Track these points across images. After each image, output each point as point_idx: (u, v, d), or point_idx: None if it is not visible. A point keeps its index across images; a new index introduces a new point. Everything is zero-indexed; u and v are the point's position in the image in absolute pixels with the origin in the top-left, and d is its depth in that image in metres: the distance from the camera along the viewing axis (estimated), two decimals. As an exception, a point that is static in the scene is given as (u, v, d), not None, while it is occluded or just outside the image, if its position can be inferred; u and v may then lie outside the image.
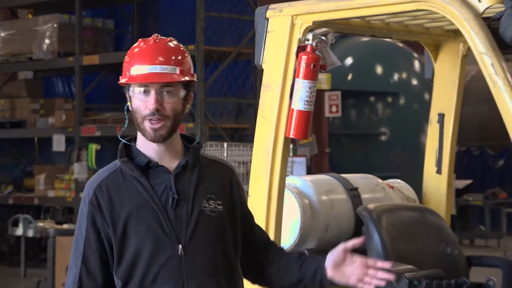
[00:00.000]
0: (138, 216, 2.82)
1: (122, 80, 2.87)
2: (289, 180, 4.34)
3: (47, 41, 12.49)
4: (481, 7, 3.53)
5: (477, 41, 3.48)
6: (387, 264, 2.88)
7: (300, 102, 3.99)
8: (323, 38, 4.00)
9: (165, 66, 2.83)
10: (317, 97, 4.14)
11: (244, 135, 11.55)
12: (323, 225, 4.29)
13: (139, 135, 2.89)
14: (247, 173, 3.98)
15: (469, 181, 15.87)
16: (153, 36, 2.91)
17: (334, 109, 11.44)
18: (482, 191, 16.14)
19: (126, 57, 2.91)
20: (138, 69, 2.83)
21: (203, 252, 2.85)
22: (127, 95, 2.88)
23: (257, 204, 4.02)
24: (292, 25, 4.07)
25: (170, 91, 2.84)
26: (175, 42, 2.92)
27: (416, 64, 12.41)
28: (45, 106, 13.02)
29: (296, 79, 3.99)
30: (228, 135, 11.30)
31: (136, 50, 2.90)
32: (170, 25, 12.74)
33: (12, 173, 14.02)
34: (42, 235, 9.00)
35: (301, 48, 4.02)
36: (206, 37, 10.93)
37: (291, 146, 8.99)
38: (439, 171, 4.60)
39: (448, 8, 3.59)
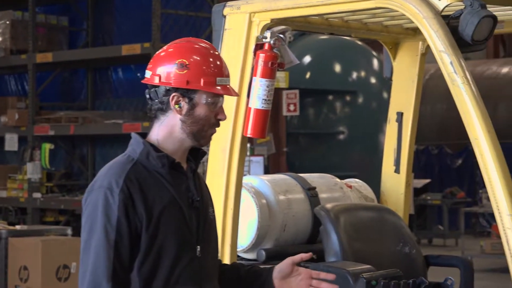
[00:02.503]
0: (169, 213, 2.83)
1: (207, 87, 2.86)
2: (247, 179, 4.32)
3: (-1, 38, 12.34)
4: (440, 5, 3.52)
5: (436, 39, 3.47)
6: (330, 276, 2.99)
7: (257, 101, 3.97)
8: (281, 36, 3.98)
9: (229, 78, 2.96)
10: (275, 95, 4.11)
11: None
12: (281, 225, 4.27)
13: (167, 134, 2.89)
14: (204, 173, 3.93)
15: (427, 180, 16.00)
16: (203, 41, 2.97)
17: (292, 107, 11.43)
18: (440, 190, 16.29)
19: (196, 56, 2.88)
20: (222, 80, 2.90)
21: (211, 256, 2.94)
22: (181, 99, 2.87)
23: (214, 204, 3.97)
24: (250, 22, 4.05)
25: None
26: None
27: (375, 63, 12.44)
28: (-3, 104, 12.85)
29: (254, 77, 3.97)
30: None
31: (210, 51, 2.92)
32: (126, 23, 12.65)
33: (-37, 173, 13.81)
34: (-6, 236, 8.86)
35: (258, 46, 4.00)
36: (162, 35, 10.86)
37: (248, 145, 8.94)
38: (397, 170, 4.60)
39: (407, 6, 3.57)
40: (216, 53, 2.95)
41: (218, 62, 2.91)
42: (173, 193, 2.85)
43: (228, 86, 2.92)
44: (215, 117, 2.91)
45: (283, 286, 2.99)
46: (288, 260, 2.98)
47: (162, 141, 2.91)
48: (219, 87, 2.88)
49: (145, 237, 2.79)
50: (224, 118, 2.93)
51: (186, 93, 2.86)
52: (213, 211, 3.03)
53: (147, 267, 2.80)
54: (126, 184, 2.80)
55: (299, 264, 3.01)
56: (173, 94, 2.87)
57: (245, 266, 3.12)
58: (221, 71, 2.90)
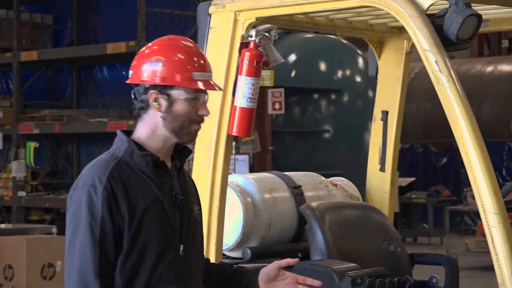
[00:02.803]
0: (152, 212, 2.82)
1: (183, 82, 2.85)
2: (232, 178, 4.32)
3: (-17, 36, 12.31)
4: (425, 4, 3.53)
5: (421, 38, 3.48)
6: (316, 282, 2.98)
7: (243, 99, 3.96)
8: (267, 34, 3.99)
9: (211, 74, 2.94)
10: (260, 94, 4.11)
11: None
12: (266, 223, 4.27)
13: (150, 132, 2.89)
14: (189, 171, 3.92)
15: (412, 179, 16.02)
16: (185, 38, 2.96)
17: (277, 106, 11.42)
18: (425, 188, 16.31)
19: (172, 53, 2.88)
20: (201, 75, 2.88)
21: (195, 255, 2.94)
22: (160, 96, 2.86)
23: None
24: (235, 21, 4.04)
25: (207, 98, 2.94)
26: None
27: (360, 61, 12.45)
28: (-18, 103, 12.81)
29: (239, 76, 3.97)
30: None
31: (189, 47, 2.91)
32: (111, 21, 12.63)
33: None
34: (-21, 234, 8.83)
35: (244, 45, 4.00)
36: (147, 33, 10.85)
37: (233, 143, 8.93)
38: (382, 169, 4.61)
39: (393, 4, 3.58)
40: (196, 49, 2.94)
41: (195, 58, 2.90)
42: (157, 192, 2.84)
43: (210, 81, 2.91)
44: (196, 113, 2.89)
45: None
46: (275, 264, 2.98)
47: (146, 139, 2.90)
48: (200, 83, 2.87)
49: (128, 235, 2.78)
50: (207, 113, 2.91)
51: (163, 89, 2.86)
52: (199, 210, 3.02)
53: (129, 266, 2.79)
54: (109, 182, 2.79)
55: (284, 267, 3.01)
56: (151, 91, 2.87)
57: (232, 266, 3.12)
58: (200, 66, 2.89)
